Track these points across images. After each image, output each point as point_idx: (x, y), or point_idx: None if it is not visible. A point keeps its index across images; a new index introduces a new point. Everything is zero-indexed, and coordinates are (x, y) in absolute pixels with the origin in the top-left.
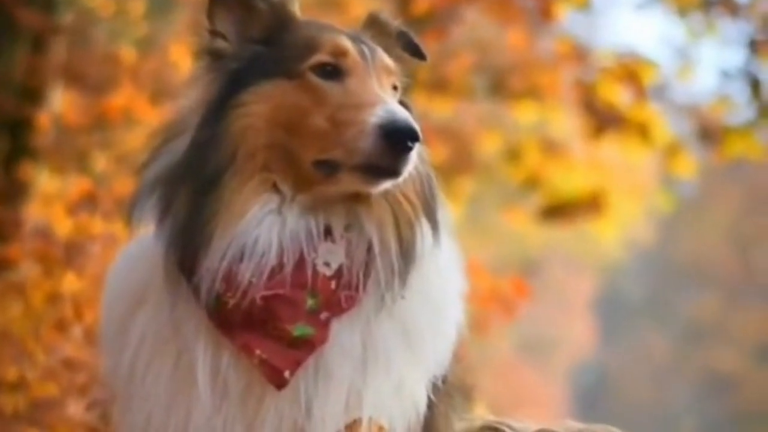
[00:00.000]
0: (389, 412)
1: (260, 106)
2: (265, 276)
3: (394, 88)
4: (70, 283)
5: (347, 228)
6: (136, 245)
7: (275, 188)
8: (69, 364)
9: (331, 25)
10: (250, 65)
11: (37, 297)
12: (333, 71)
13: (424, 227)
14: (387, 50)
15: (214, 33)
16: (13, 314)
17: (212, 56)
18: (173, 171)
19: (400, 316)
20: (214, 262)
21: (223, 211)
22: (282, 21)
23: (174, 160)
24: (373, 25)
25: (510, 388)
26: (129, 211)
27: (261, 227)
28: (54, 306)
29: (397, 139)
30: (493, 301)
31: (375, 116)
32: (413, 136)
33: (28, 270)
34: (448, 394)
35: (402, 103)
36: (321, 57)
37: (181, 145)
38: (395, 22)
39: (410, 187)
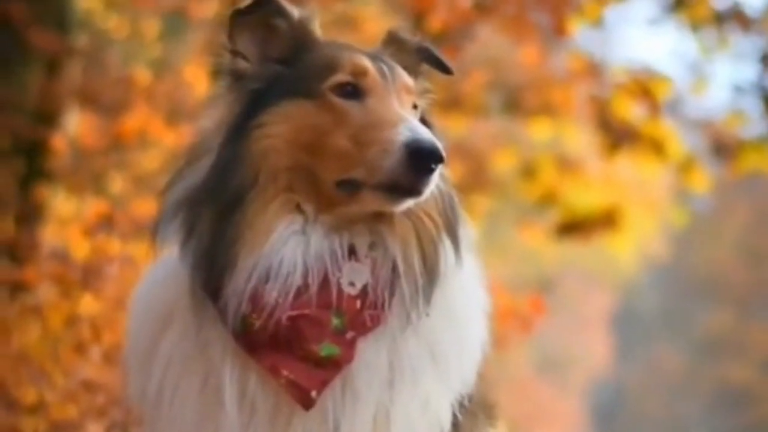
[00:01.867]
0: (416, 430)
1: (281, 126)
2: (290, 296)
3: (414, 106)
4: (88, 304)
5: (371, 247)
6: (161, 267)
7: (298, 209)
8: (88, 386)
9: (351, 45)
10: (271, 85)
11: (55, 319)
12: (353, 91)
13: (447, 245)
14: (407, 68)
15: (235, 53)
16: (31, 337)
17: (233, 77)
18: (196, 193)
19: (425, 334)
20: (239, 283)
21: (248, 232)
22: (302, 41)
23: (196, 181)
24: (393, 42)
25: (528, 405)
26: (152, 233)
27: (286, 248)
28: (72, 328)
29: (422, 159)
30: (510, 318)
31: (400, 135)
32: (438, 157)
33: (45, 292)
34: (472, 412)
35: (423, 121)
36: (341, 77)
37: (203, 166)
38: (415, 39)
39: (432, 205)
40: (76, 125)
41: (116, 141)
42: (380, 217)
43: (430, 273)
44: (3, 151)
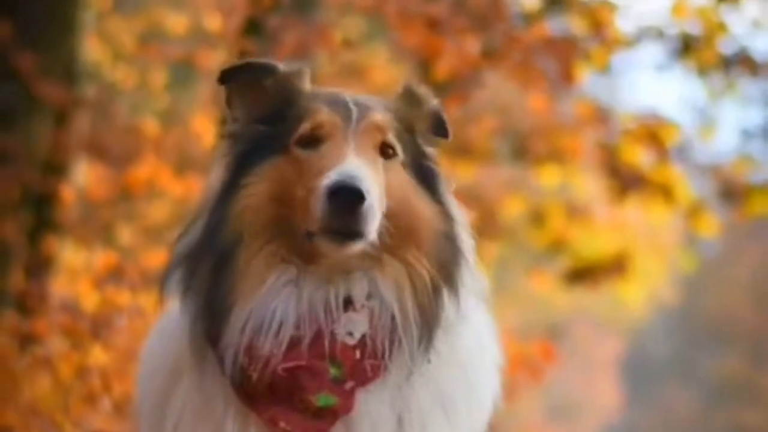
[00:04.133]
0: None
1: (260, 185)
2: (283, 348)
3: (385, 145)
4: (98, 356)
5: (368, 297)
6: (168, 320)
7: (286, 260)
8: None
9: (334, 93)
10: (255, 145)
11: (65, 370)
12: (312, 140)
13: (444, 292)
14: (410, 122)
15: (232, 117)
16: (42, 388)
17: (228, 139)
18: (194, 248)
19: (434, 385)
20: (234, 336)
21: (239, 285)
22: (288, 96)
23: (194, 238)
24: (408, 96)
25: None
26: (160, 285)
27: (278, 299)
28: (82, 379)
29: (338, 201)
30: (520, 366)
31: (327, 179)
32: (354, 195)
33: (55, 343)
34: None
35: (419, 162)
36: (303, 127)
37: (200, 225)
38: (433, 101)
39: (424, 249)
40: (84, 176)
41: (125, 192)
42: (374, 265)
43: (428, 321)
44: (12, 203)
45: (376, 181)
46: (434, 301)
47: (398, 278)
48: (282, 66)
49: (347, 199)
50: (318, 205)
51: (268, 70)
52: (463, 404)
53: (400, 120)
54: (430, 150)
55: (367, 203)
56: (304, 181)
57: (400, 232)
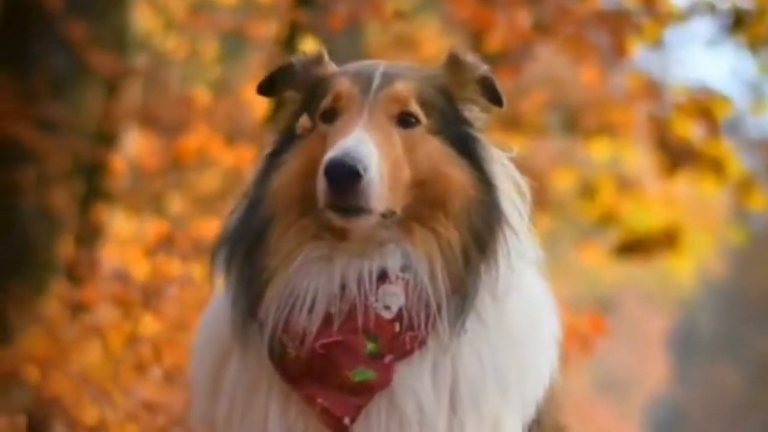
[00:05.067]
0: None
1: (293, 162)
2: (318, 324)
3: (406, 114)
4: (148, 325)
5: (403, 269)
6: (222, 295)
7: (318, 236)
8: (148, 407)
9: (361, 65)
10: (294, 128)
11: (115, 339)
12: (332, 113)
13: (477, 261)
14: (450, 89)
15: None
16: (92, 357)
17: (278, 134)
18: (236, 228)
19: (486, 356)
20: (270, 314)
21: (272, 263)
22: (315, 81)
23: (238, 217)
24: (452, 62)
25: (586, 426)
26: (210, 260)
27: (310, 275)
28: (132, 348)
29: (332, 177)
30: (570, 339)
31: (328, 155)
32: (350, 172)
33: (105, 313)
34: None
35: (456, 121)
36: (325, 102)
37: (244, 203)
38: (481, 67)
39: (453, 217)
40: (135, 146)
41: (175, 161)
42: (406, 237)
43: (460, 290)
44: (63, 172)
45: (387, 154)
46: (466, 270)
47: (429, 248)
48: (298, 59)
49: (342, 176)
50: (320, 182)
51: (288, 69)
52: (514, 376)
53: (437, 87)
54: (473, 116)
55: (365, 180)
56: (323, 155)
57: (428, 200)
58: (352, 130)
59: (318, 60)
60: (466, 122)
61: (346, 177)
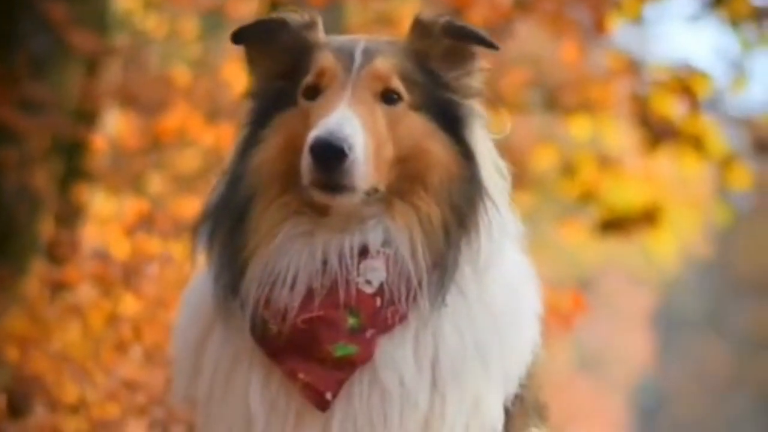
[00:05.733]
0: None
1: (273, 138)
2: (299, 299)
3: (388, 91)
4: (129, 304)
5: (383, 244)
6: (204, 272)
7: (299, 212)
8: (129, 385)
9: (343, 40)
10: (274, 101)
11: (95, 318)
12: (314, 90)
13: (456, 235)
14: (425, 54)
15: (253, 76)
16: (72, 336)
17: (250, 98)
18: (217, 204)
19: (467, 331)
20: (251, 290)
21: (253, 239)
22: (301, 48)
23: (219, 193)
24: (417, 28)
25: (568, 404)
26: (191, 237)
27: (291, 251)
28: (113, 327)
29: (320, 156)
30: (550, 315)
31: (312, 133)
32: (334, 151)
33: (86, 292)
34: (525, 413)
35: (437, 88)
36: (308, 79)
37: (224, 179)
38: (440, 19)
39: (433, 191)
40: (115, 125)
41: (155, 140)
42: (387, 212)
43: (439, 264)
44: (43, 151)
45: (372, 132)
46: (446, 244)
47: (409, 223)
48: (293, 18)
49: (328, 155)
50: (305, 159)
51: (279, 25)
52: (495, 351)
53: (412, 57)
54: (457, 82)
55: (350, 158)
56: (307, 132)
57: (409, 176)
58: (336, 108)
59: (311, 25)
60: (448, 87)
61: (331, 155)
